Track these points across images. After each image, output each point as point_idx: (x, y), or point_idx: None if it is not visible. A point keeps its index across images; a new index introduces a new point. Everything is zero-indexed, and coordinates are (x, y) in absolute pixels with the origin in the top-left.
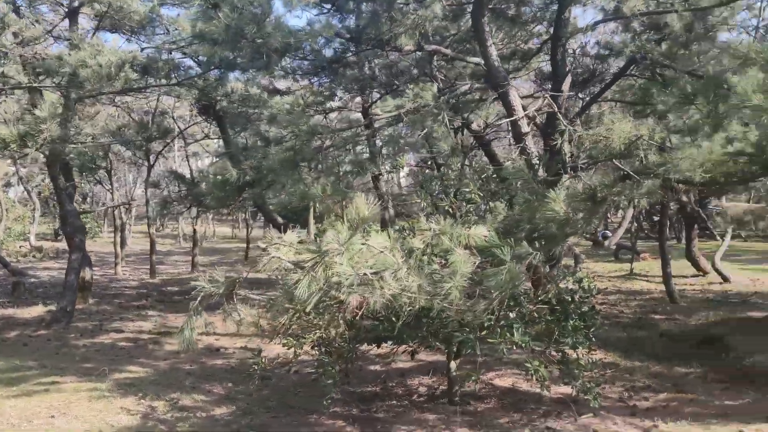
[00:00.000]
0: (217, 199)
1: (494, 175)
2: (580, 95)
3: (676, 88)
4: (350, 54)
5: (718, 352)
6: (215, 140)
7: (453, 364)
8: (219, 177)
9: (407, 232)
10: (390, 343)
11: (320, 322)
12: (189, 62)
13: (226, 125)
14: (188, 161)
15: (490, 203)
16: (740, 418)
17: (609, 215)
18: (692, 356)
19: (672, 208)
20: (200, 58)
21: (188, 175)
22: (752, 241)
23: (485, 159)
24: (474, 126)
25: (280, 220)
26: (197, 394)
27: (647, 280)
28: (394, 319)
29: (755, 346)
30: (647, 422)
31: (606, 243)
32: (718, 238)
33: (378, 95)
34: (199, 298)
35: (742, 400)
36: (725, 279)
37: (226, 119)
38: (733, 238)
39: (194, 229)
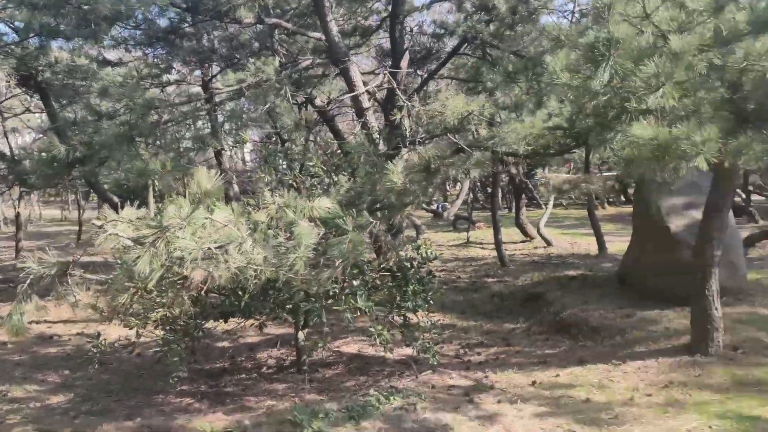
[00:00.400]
0: (44, 178)
1: (338, 150)
2: (418, 72)
3: (501, 66)
4: (187, 25)
5: (540, 308)
6: (38, 114)
7: (301, 334)
8: (45, 154)
9: (252, 206)
10: (237, 317)
11: (163, 300)
12: (3, 28)
13: (50, 98)
14: (7, 138)
15: (334, 177)
16: (558, 364)
17: (448, 188)
18: (519, 313)
19: (503, 180)
20: (17, 23)
21: (8, 153)
22: (572, 209)
23: (330, 134)
24: (318, 101)
25: (115, 199)
26: (29, 384)
27: (482, 247)
28: (240, 293)
29: (570, 301)
30: (479, 374)
31: (445, 214)
32: (543, 206)
33: (218, 69)
34: (27, 281)
35: (559, 349)
36: (548, 243)
37: (50, 91)
38: (555, 206)
39: (17, 212)
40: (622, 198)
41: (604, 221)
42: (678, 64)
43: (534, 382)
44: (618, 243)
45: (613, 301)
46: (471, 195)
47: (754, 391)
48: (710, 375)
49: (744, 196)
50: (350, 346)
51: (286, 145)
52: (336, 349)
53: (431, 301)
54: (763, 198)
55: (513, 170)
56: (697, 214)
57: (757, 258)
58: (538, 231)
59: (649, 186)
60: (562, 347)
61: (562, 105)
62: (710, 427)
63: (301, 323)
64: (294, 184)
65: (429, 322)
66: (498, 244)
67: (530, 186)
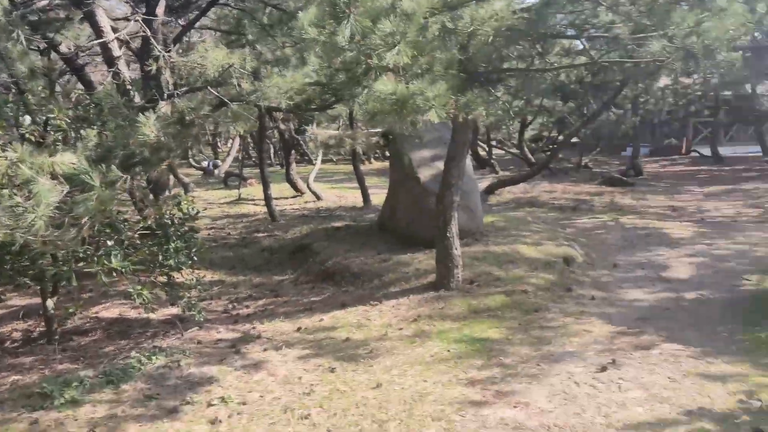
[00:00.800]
0: None
1: (89, 102)
2: (179, 22)
3: (257, 19)
4: None
5: (307, 259)
6: None
7: (50, 302)
8: None
9: None
10: None
11: None
12: None
13: None
14: None
15: (82, 130)
16: (322, 309)
17: (219, 145)
18: (288, 265)
19: (275, 136)
20: None
21: None
22: (341, 164)
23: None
24: (63, 48)
25: None
26: None
27: (254, 204)
28: None
29: (335, 250)
30: (247, 326)
31: (216, 172)
32: (313, 161)
33: None
34: None
35: (324, 295)
36: (318, 197)
37: None
38: (324, 161)
39: None
40: (387, 153)
41: (369, 175)
42: (410, 25)
43: (299, 328)
44: (381, 195)
45: (373, 248)
46: (243, 151)
47: (485, 316)
48: (451, 307)
49: (487, 149)
50: (110, 310)
51: (25, 95)
52: (94, 315)
53: (195, 258)
54: (503, 152)
55: (282, 126)
56: (443, 166)
57: (495, 204)
58: (308, 186)
59: (401, 140)
60: (327, 294)
61: (322, 62)
62: (449, 350)
63: (50, 290)
64: (33, 138)
65: (194, 280)
66: (268, 199)
67: (301, 142)
